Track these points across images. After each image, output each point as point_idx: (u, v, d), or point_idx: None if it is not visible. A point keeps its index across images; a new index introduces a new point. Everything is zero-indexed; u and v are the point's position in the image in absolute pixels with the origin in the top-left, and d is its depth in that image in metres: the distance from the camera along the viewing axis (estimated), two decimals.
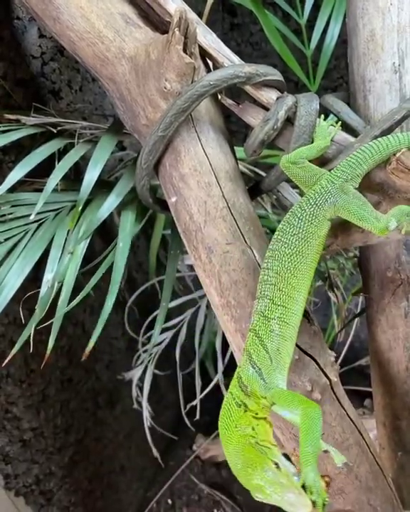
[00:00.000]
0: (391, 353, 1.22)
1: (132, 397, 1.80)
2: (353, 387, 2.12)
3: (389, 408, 1.27)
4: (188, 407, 1.71)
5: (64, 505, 1.73)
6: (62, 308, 0.92)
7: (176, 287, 1.68)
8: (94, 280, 1.01)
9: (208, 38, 0.88)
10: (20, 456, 1.45)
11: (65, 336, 1.50)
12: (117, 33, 0.86)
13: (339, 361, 2.00)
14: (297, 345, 0.93)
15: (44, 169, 1.02)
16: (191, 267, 1.66)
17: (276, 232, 0.83)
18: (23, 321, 1.26)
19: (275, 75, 0.90)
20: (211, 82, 0.84)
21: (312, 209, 0.83)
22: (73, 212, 0.93)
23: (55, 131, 0.99)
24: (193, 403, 1.65)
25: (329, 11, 1.64)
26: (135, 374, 1.70)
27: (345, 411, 1.00)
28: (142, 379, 1.74)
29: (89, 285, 0.97)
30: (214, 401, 2.71)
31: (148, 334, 1.68)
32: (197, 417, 1.70)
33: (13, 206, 1.02)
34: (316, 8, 1.67)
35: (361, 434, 1.03)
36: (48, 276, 0.90)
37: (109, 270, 1.52)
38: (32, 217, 0.89)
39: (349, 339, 1.99)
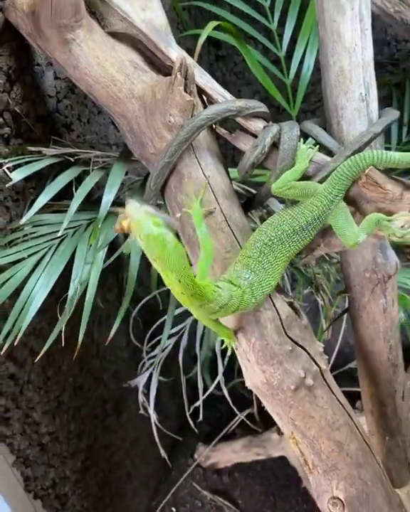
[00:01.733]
0: (373, 345, 1.37)
1: (136, 405, 1.91)
2: (344, 388, 2.26)
3: (374, 396, 1.42)
4: (191, 409, 1.83)
5: (77, 510, 1.83)
6: (88, 308, 1.06)
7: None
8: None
9: (204, 79, 1.04)
10: (39, 459, 1.55)
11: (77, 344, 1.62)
12: (127, 77, 1.02)
13: (330, 366, 2.14)
14: (290, 338, 1.08)
15: (60, 192, 1.17)
16: None
17: (271, 226, 1.00)
18: (42, 331, 1.40)
19: (261, 108, 1.06)
20: (208, 116, 1.00)
21: (315, 220, 1.01)
22: (93, 229, 1.08)
23: (72, 160, 1.14)
24: (197, 404, 1.77)
25: (304, 44, 1.84)
26: (140, 381, 1.82)
27: (335, 395, 1.14)
28: (146, 386, 1.86)
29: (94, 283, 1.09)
30: (213, 410, 2.83)
31: (152, 343, 1.80)
32: (200, 417, 1.82)
33: (35, 226, 1.16)
34: (293, 41, 1.86)
35: (350, 416, 1.16)
36: (74, 281, 1.03)
37: (117, 283, 1.66)
38: (60, 234, 1.03)
39: (338, 345, 2.13)
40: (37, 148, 1.14)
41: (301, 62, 1.85)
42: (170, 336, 1.74)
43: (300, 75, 1.86)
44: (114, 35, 1.06)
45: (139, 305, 1.75)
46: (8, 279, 1.07)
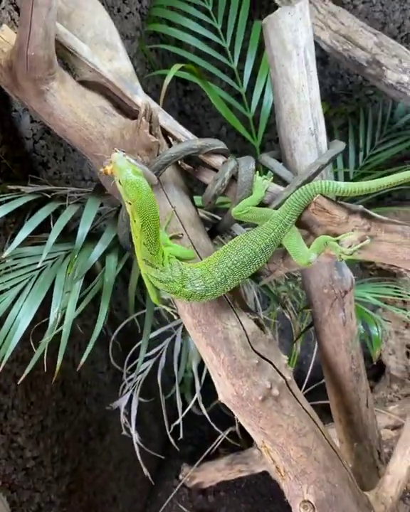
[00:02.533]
0: (336, 356, 1.48)
1: (119, 428, 1.96)
2: (322, 401, 2.35)
3: (341, 405, 1.52)
4: (171, 428, 1.89)
5: None
6: (66, 334, 1.14)
7: (154, 321, 1.90)
8: (81, 308, 1.22)
9: (168, 121, 1.16)
10: (24, 484, 1.60)
11: (59, 370, 1.69)
12: (98, 121, 1.13)
13: (306, 380, 2.23)
14: (256, 352, 1.18)
15: (38, 226, 1.26)
16: (165, 301, 1.89)
17: (234, 250, 1.11)
18: (24, 358, 1.46)
19: (220, 145, 1.18)
20: (172, 155, 1.12)
21: (272, 242, 1.13)
22: (70, 260, 1.17)
23: (49, 196, 1.24)
24: (176, 423, 1.83)
25: (263, 80, 1.99)
26: (122, 403, 1.88)
27: (300, 404, 1.23)
28: (128, 407, 1.92)
29: (79, 309, 1.18)
30: (195, 431, 2.89)
31: (131, 365, 1.88)
32: (180, 436, 1.88)
33: (16, 259, 1.25)
34: (254, 75, 2.02)
35: (316, 423, 1.25)
36: (54, 310, 1.12)
37: (95, 309, 1.74)
38: (39, 265, 1.12)
39: (313, 359, 2.23)
40: (16, 186, 1.23)
41: (262, 95, 2.01)
42: (149, 358, 1.82)
43: (261, 108, 2.01)
44: (84, 83, 1.18)
45: (118, 329, 1.82)
46: None
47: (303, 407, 1.24)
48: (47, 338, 1.12)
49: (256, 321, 1.23)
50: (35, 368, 1.42)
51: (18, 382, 1.27)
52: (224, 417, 2.25)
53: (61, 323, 1.16)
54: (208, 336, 1.17)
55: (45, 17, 0.98)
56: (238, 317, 1.19)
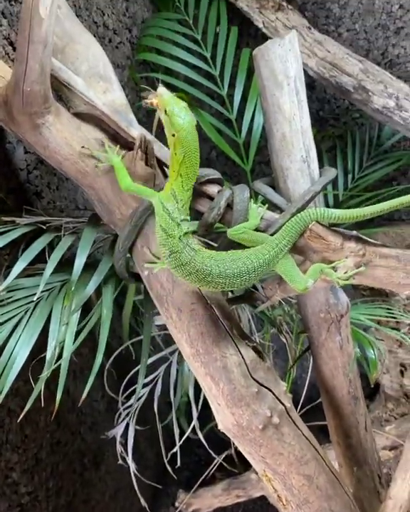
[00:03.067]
0: (334, 380, 1.47)
1: (114, 457, 1.93)
2: (318, 422, 2.33)
3: (339, 428, 1.51)
4: (168, 456, 1.87)
5: None
6: (65, 369, 1.12)
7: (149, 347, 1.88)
8: (78, 341, 1.21)
9: (163, 151, 1.17)
10: None
11: (53, 400, 1.66)
12: (94, 151, 1.14)
13: (302, 400, 2.22)
14: (255, 380, 1.18)
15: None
16: (160, 327, 1.88)
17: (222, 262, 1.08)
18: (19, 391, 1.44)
19: (215, 175, 1.19)
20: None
21: (262, 265, 1.11)
22: (66, 291, 1.16)
23: (44, 227, 1.24)
24: (173, 451, 1.81)
25: (253, 105, 2.03)
26: (118, 431, 1.85)
27: (301, 431, 1.22)
28: (124, 436, 1.89)
29: (76, 343, 1.17)
30: (191, 455, 2.85)
31: (127, 393, 1.85)
32: (178, 464, 1.86)
33: (11, 291, 1.24)
34: (244, 100, 2.05)
35: (317, 450, 1.24)
36: (51, 344, 1.11)
37: (90, 337, 1.73)
38: (35, 298, 1.11)
39: (308, 379, 2.22)
40: (10, 218, 1.23)
41: (252, 120, 2.04)
42: (145, 385, 1.80)
43: (251, 132, 2.04)
44: (79, 115, 1.19)
45: (113, 356, 1.81)
46: None
47: (303, 434, 1.23)
48: (45, 373, 1.10)
49: (254, 349, 1.23)
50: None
51: (18, 421, 1.24)
52: (220, 440, 2.22)
53: (59, 356, 1.14)
54: (207, 365, 1.16)
55: (41, 53, 1.00)
56: (236, 345, 1.18)
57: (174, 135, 1.00)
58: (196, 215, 1.27)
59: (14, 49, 1.25)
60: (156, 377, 1.83)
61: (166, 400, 1.93)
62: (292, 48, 1.28)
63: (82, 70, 1.21)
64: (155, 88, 1.01)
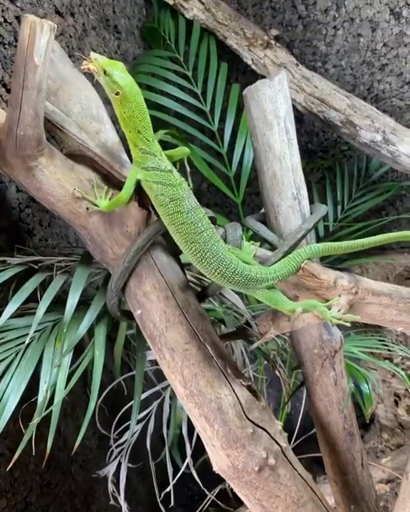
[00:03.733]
0: (329, 416, 1.46)
1: (106, 496, 1.87)
2: (312, 454, 2.29)
3: (336, 465, 1.49)
4: (162, 495, 1.82)
5: None
6: (56, 412, 1.10)
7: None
8: (70, 386, 1.18)
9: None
10: None
11: (44, 441, 1.62)
12: (86, 193, 1.14)
13: (296, 430, 2.19)
14: (250, 421, 1.16)
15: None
16: (152, 362, 1.86)
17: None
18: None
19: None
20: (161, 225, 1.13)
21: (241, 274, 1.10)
22: (58, 332, 1.15)
23: (36, 267, 1.23)
24: (167, 490, 1.77)
25: (243, 140, 2.06)
26: (110, 469, 1.81)
27: (297, 471, 1.20)
28: (116, 474, 1.84)
29: (68, 388, 1.15)
30: (184, 489, 2.78)
31: (119, 430, 1.82)
32: (172, 503, 1.81)
33: (1, 332, 1.22)
34: (234, 134, 2.09)
35: (314, 490, 1.22)
36: (43, 387, 1.08)
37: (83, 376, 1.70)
38: (27, 341, 1.10)
39: (302, 408, 2.20)
40: (2, 258, 1.22)
41: (242, 153, 2.07)
42: (137, 422, 1.76)
43: (242, 165, 2.07)
44: (72, 156, 1.19)
45: (104, 393, 1.78)
46: None
47: (300, 474, 1.21)
48: (36, 420, 1.08)
49: (249, 388, 1.22)
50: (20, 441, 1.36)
51: (7, 469, 1.21)
52: (213, 472, 2.18)
53: (50, 398, 1.12)
54: (201, 406, 1.15)
55: (35, 99, 1.01)
56: (231, 385, 1.17)
57: (117, 93, 1.01)
58: None
59: (7, 91, 1.26)
60: (149, 413, 1.80)
61: (159, 432, 1.89)
62: (281, 89, 1.31)
63: (75, 112, 1.22)
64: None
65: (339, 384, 1.44)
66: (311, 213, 1.36)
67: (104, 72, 1.01)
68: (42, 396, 1.07)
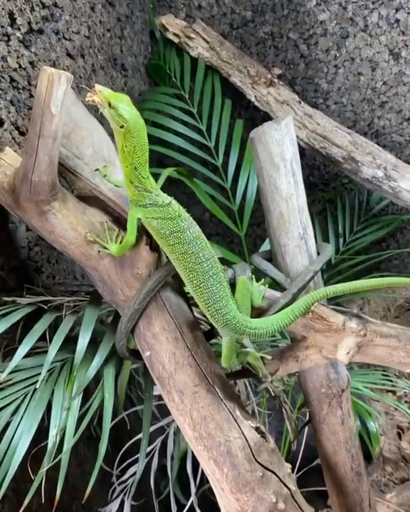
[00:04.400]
0: (336, 456, 1.45)
1: None
2: (315, 488, 2.25)
3: (343, 506, 1.47)
4: None
5: None
6: (66, 459, 1.09)
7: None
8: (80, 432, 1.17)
9: None
10: None
11: (47, 480, 1.59)
12: (98, 237, 1.15)
13: (298, 462, 2.16)
14: (259, 464, 1.15)
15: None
16: (156, 397, 1.84)
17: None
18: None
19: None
20: (171, 268, 1.14)
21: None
22: (68, 375, 1.15)
23: (46, 307, 1.24)
24: None
25: (247, 174, 2.09)
26: (112, 508, 1.78)
27: None
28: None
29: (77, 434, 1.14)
30: None
31: (121, 466, 1.79)
32: None
33: (9, 373, 1.21)
34: (238, 168, 2.12)
35: None
36: (52, 432, 1.08)
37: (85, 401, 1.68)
38: (38, 386, 1.09)
39: (304, 439, 2.18)
40: (11, 298, 1.23)
41: (245, 187, 2.10)
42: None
43: (245, 199, 2.10)
44: (83, 198, 1.21)
45: (108, 428, 1.76)
46: None
47: None
48: (46, 467, 1.06)
49: (258, 429, 1.21)
50: (22, 481, 1.34)
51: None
52: (214, 503, 2.14)
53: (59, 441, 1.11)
54: (210, 449, 1.14)
55: (50, 146, 1.03)
56: (240, 428, 1.17)
57: (122, 127, 1.01)
58: None
59: (20, 133, 1.29)
60: (152, 449, 1.78)
61: (162, 463, 1.87)
62: (288, 132, 1.34)
63: (87, 155, 1.24)
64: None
65: (346, 423, 1.44)
66: (317, 252, 1.38)
67: (110, 104, 1.01)
68: (52, 441, 1.06)
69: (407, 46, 2.07)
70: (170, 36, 2.13)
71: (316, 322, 1.17)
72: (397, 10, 2.01)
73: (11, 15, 1.22)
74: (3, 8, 1.18)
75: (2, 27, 1.18)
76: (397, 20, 2.03)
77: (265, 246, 2.10)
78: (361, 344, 1.19)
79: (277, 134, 1.33)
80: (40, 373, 1.19)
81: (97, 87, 1.02)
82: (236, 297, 1.16)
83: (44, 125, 1.01)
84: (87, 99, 1.03)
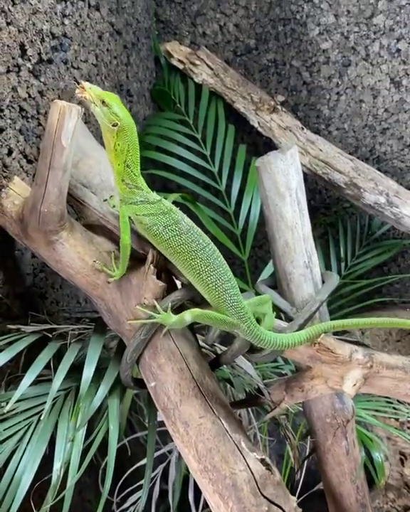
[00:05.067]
0: (341, 487, 1.43)
1: None
2: None
3: None
4: None
5: None
6: (70, 491, 1.07)
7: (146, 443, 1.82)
8: (85, 464, 1.16)
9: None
10: None
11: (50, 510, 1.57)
12: (105, 266, 1.15)
13: (300, 487, 2.13)
14: (265, 497, 1.13)
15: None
16: (158, 423, 1.82)
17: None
18: None
19: None
20: (177, 297, 1.14)
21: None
22: (71, 404, 1.13)
23: (50, 336, 1.23)
24: None
25: (250, 198, 2.10)
26: None
27: None
28: None
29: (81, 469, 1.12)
30: None
31: (122, 494, 1.76)
32: None
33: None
34: (241, 192, 2.13)
35: None
36: (56, 465, 1.06)
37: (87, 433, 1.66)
38: (43, 418, 1.08)
39: (305, 464, 2.15)
40: (16, 326, 1.22)
41: (248, 212, 2.11)
42: (141, 487, 1.72)
43: (248, 223, 2.11)
44: (90, 227, 1.22)
45: (109, 455, 1.73)
46: None
47: None
48: (50, 503, 1.04)
49: (263, 461, 1.20)
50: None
51: None
52: None
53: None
54: (216, 482, 1.13)
55: (60, 178, 1.04)
56: (245, 460, 1.15)
57: (115, 125, 1.01)
58: None
59: (28, 161, 1.30)
60: (154, 477, 1.75)
61: (163, 488, 1.83)
62: (293, 162, 1.35)
63: (94, 183, 1.26)
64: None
65: (351, 453, 1.43)
66: (322, 281, 1.39)
67: (103, 102, 1.01)
68: (56, 475, 1.04)
69: (408, 75, 2.10)
70: (175, 62, 2.17)
71: (323, 354, 1.17)
72: (398, 40, 2.05)
73: (21, 46, 1.24)
74: (14, 40, 1.20)
75: (13, 58, 1.20)
76: (398, 50, 2.07)
77: (268, 269, 2.11)
78: (368, 376, 1.18)
79: (282, 164, 1.34)
80: (43, 402, 1.18)
81: (87, 84, 1.02)
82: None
83: (55, 157, 1.02)
84: (77, 95, 1.02)
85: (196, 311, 1.07)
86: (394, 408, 1.84)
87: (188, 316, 1.06)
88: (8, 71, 1.19)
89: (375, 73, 2.11)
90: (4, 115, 1.19)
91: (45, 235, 1.10)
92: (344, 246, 2.30)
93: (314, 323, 1.27)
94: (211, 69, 2.14)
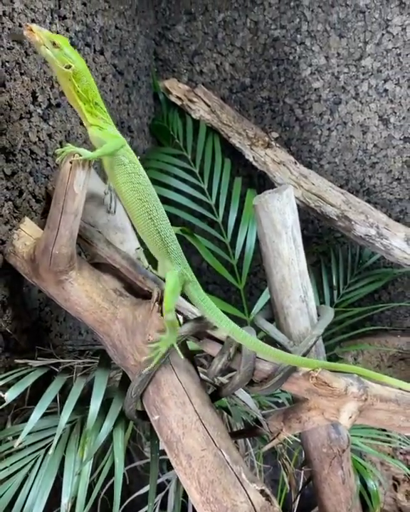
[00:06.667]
0: None
1: None
2: None
3: None
4: None
5: None
6: None
7: (143, 471, 1.84)
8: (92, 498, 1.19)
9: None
10: None
11: None
12: (111, 303, 1.21)
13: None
14: None
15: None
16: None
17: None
18: None
19: None
20: (182, 333, 1.19)
21: None
22: (78, 438, 1.17)
23: (57, 370, 1.27)
24: None
25: (246, 230, 2.17)
26: None
27: None
28: None
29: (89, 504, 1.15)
30: None
31: None
32: None
33: (16, 437, 1.22)
34: (237, 224, 2.20)
35: None
36: (64, 500, 1.09)
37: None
38: (51, 453, 1.11)
39: (299, 488, 2.17)
40: (23, 360, 1.26)
41: (244, 243, 2.18)
42: None
43: (244, 253, 2.17)
44: (97, 265, 1.27)
45: (108, 484, 1.75)
46: None
47: None
48: None
49: (262, 492, 1.23)
50: None
51: None
52: None
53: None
54: None
55: (72, 222, 1.10)
56: (246, 491, 1.19)
57: (68, 67, 1.01)
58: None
59: (37, 201, 1.35)
60: (155, 505, 1.76)
61: None
62: (289, 202, 1.42)
63: (100, 224, 1.31)
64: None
65: (346, 483, 1.46)
66: (318, 314, 1.44)
67: (54, 44, 0.99)
68: (64, 510, 1.07)
69: (395, 113, 2.21)
70: (173, 99, 2.26)
71: (320, 388, 1.22)
72: (385, 81, 2.17)
73: (33, 93, 1.31)
74: (27, 89, 1.27)
75: (26, 105, 1.27)
76: (385, 90, 2.18)
77: (263, 297, 2.17)
78: (363, 408, 1.23)
79: (279, 203, 1.41)
80: (50, 435, 1.22)
81: (35, 26, 0.99)
82: None
83: (67, 203, 1.08)
84: (25, 34, 0.99)
85: None
86: (388, 435, 1.89)
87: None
88: (21, 118, 1.25)
89: (364, 111, 2.21)
90: (16, 159, 1.25)
91: (56, 274, 1.15)
92: (337, 274, 2.37)
93: (310, 357, 1.33)
94: (208, 106, 2.23)
